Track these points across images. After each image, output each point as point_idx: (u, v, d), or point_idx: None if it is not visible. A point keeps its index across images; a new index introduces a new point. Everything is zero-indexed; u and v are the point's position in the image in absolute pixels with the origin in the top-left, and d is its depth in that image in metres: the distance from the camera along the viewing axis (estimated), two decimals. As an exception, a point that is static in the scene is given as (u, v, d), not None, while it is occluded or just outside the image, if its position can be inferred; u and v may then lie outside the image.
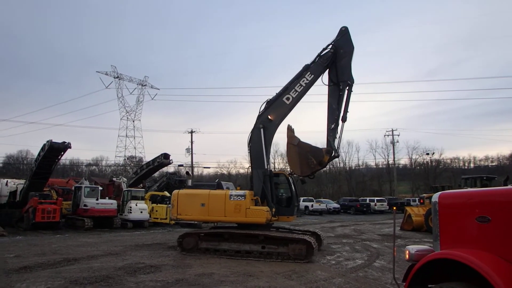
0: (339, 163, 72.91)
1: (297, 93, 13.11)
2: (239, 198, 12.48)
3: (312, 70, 13.11)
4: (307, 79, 13.07)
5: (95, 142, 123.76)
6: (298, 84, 13.14)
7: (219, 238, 12.62)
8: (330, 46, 13.11)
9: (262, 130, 13.16)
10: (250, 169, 13.51)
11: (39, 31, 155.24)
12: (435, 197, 4.62)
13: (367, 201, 44.85)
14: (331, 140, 12.48)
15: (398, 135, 58.73)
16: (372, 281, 8.93)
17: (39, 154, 23.17)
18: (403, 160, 73.02)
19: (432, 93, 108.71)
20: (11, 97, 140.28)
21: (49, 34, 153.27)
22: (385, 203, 44.74)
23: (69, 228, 22.92)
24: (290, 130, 13.41)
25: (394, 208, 7.77)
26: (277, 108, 13.32)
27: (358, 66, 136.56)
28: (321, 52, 13.18)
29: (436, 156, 67.58)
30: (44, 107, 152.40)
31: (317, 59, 13.18)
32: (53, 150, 22.18)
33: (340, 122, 12.72)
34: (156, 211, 26.12)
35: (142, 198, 25.55)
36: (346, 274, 9.73)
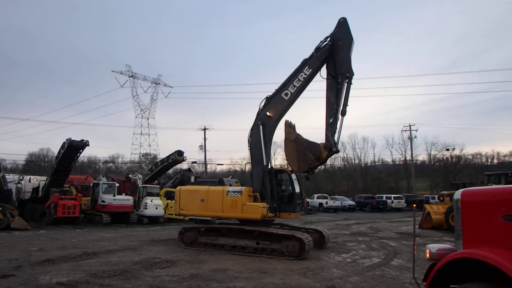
0: (354, 159, 72.33)
1: (295, 88, 12.91)
2: (235, 194, 12.62)
3: (310, 64, 12.84)
4: (305, 74, 12.83)
5: (111, 140, 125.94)
6: (297, 79, 12.93)
7: (216, 233, 12.84)
8: (328, 39, 12.74)
9: (261, 127, 13.13)
10: (250, 166, 13.49)
11: (58, 32, 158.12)
12: (457, 194, 4.49)
13: (384, 198, 44.15)
14: (329, 135, 12.14)
15: (416, 130, 57.56)
16: (390, 280, 8.81)
17: (59, 152, 23.72)
18: (421, 156, 71.57)
19: (452, 86, 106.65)
20: (32, 97, 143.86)
21: (67, 36, 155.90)
22: (403, 201, 43.97)
23: (88, 223, 23.46)
24: (287, 125, 13.23)
25: (414, 205, 7.63)
26: (275, 104, 13.22)
27: (372, 59, 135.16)
28: (319, 45, 12.83)
29: (456, 152, 65.94)
30: (63, 107, 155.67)
31: (314, 52, 12.86)
32: (72, 148, 22.68)
33: (340, 116, 12.31)
34: (171, 207, 26.32)
35: (157, 195, 25.89)
36: (362, 273, 9.62)
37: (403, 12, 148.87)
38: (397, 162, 70.40)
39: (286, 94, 13.00)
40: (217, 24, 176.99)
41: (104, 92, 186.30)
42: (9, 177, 25.69)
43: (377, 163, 73.60)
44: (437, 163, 69.16)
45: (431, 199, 41.51)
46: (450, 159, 66.92)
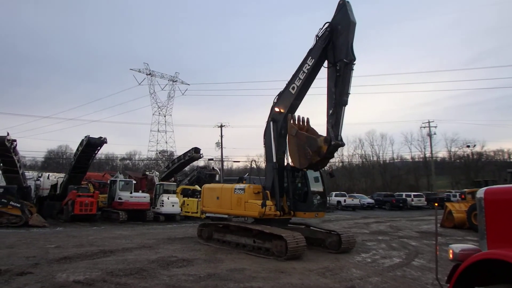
0: (373, 156, 71.34)
1: (300, 81, 12.50)
2: (240, 191, 12.72)
3: (313, 54, 12.32)
4: (308, 65, 12.37)
5: (128, 137, 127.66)
6: (302, 71, 12.51)
7: (226, 230, 13.22)
8: (327, 25, 12.09)
9: (271, 123, 12.93)
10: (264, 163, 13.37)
11: (78, 31, 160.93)
12: (480, 192, 4.35)
13: (403, 196, 43.36)
14: (329, 128, 11.55)
15: (435, 127, 56.64)
16: (412, 281, 8.52)
17: (77, 149, 24.00)
18: (441, 153, 70.37)
19: (472, 82, 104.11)
20: (51, 95, 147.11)
21: (87, 34, 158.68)
22: (423, 199, 43.09)
23: (105, 220, 23.66)
24: (290, 120, 12.70)
25: (436, 204, 7.36)
26: (284, 99, 12.94)
27: (392, 56, 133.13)
28: (318, 32, 12.23)
29: (477, 149, 64.47)
30: (82, 104, 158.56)
31: (315, 41, 12.32)
32: (91, 145, 22.91)
33: (342, 107, 11.48)
34: (187, 204, 26.40)
35: (174, 192, 25.90)
36: (383, 273, 9.34)
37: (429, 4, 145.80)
38: (417, 159, 69.21)
39: (293, 88, 12.67)
40: (235, 21, 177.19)
41: (122, 89, 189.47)
42: (28, 174, 26.19)
43: (396, 160, 72.47)
44: (458, 160, 67.65)
45: (452, 197, 40.75)
46: (471, 156, 65.40)
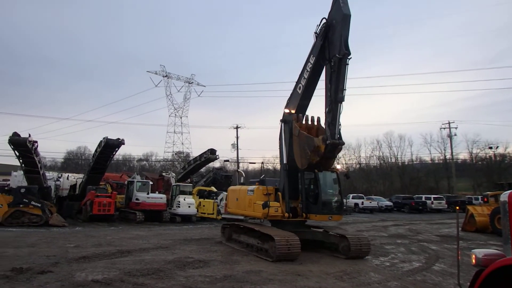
0: (391, 158, 70.20)
1: (305, 80, 12.33)
2: (251, 193, 12.93)
3: (313, 52, 12.09)
4: (310, 63, 12.17)
5: (145, 138, 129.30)
6: (306, 71, 12.36)
7: (241, 231, 13.45)
8: (324, 21, 11.78)
9: (283, 124, 12.84)
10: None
11: (96, 34, 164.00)
12: (504, 196, 4.23)
13: (423, 199, 42.48)
14: (326, 126, 11.30)
15: (456, 128, 55.57)
16: (432, 286, 8.33)
17: (96, 150, 24.40)
18: (462, 155, 68.63)
19: (494, 82, 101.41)
20: (71, 97, 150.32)
21: (106, 37, 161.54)
22: (443, 201, 42.12)
23: (122, 220, 23.96)
24: (295, 120, 12.43)
25: (457, 207, 7.18)
26: (292, 99, 12.84)
27: (411, 54, 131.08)
28: (317, 29, 11.92)
29: (500, 150, 62.75)
30: (100, 106, 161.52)
31: (315, 38, 12.05)
32: (109, 146, 23.28)
33: (339, 103, 10.98)
34: (203, 206, 26.49)
35: (190, 193, 26.05)
36: (402, 278, 9.14)
37: (444, 4, 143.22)
38: (436, 161, 67.82)
39: (299, 88, 12.56)
40: (251, 21, 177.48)
41: (139, 91, 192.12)
42: (49, 174, 26.69)
43: (415, 162, 71.11)
44: (480, 162, 65.99)
45: (474, 200, 39.81)
46: (493, 158, 63.71)
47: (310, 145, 11.41)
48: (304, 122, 12.67)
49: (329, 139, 10.86)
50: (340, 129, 11.12)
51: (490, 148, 60.98)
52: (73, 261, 9.99)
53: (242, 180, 16.47)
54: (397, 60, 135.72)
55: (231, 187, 15.57)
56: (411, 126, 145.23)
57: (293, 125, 12.37)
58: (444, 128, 56.85)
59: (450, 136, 56.25)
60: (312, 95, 12.78)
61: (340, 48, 10.91)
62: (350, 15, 11.09)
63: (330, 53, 11.36)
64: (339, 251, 11.98)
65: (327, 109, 11.25)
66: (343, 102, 10.99)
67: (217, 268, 9.59)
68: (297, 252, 10.86)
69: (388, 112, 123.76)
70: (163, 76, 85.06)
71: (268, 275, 8.87)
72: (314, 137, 11.46)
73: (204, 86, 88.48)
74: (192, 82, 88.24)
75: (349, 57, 10.99)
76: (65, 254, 10.96)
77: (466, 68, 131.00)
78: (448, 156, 60.64)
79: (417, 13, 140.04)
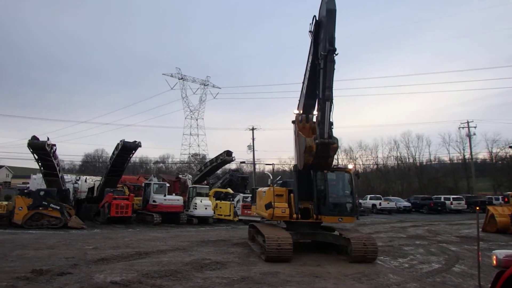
0: (408, 158, 69.22)
1: (307, 79, 12.30)
2: (264, 194, 13.13)
3: (310, 51, 12.06)
4: (309, 62, 12.15)
5: (162, 141, 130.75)
6: (306, 70, 12.38)
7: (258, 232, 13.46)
8: (314, 19, 11.61)
9: (294, 125, 12.77)
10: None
11: (112, 38, 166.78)
12: None
13: (442, 200, 41.71)
14: (316, 125, 11.12)
15: (475, 127, 54.53)
16: (452, 288, 8.15)
17: (113, 153, 24.73)
18: (482, 154, 67.20)
19: (510, 80, 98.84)
20: (88, 101, 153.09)
21: (122, 40, 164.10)
22: (463, 202, 41.24)
23: (140, 222, 24.16)
24: (297, 120, 12.31)
25: (477, 208, 7.04)
26: (300, 100, 12.88)
27: (428, 53, 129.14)
28: (310, 27, 11.80)
29: (521, 149, 61.23)
30: (116, 109, 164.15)
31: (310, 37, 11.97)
32: (126, 149, 23.53)
33: (327, 102, 10.75)
34: (220, 207, 26.58)
35: (207, 195, 26.15)
36: (421, 279, 8.99)
37: (458, 5, 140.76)
38: (455, 161, 66.59)
39: (304, 88, 12.58)
40: (265, 22, 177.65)
41: (155, 94, 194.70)
42: (67, 177, 27.07)
43: (433, 162, 69.98)
44: (500, 162, 64.54)
45: (495, 200, 39.07)
46: (514, 157, 62.21)
47: (302, 145, 11.40)
48: (308, 122, 12.65)
49: (318, 138, 10.82)
50: (331, 128, 10.93)
51: (511, 147, 59.61)
52: (92, 263, 10.14)
53: (269, 182, 16.43)
54: (414, 60, 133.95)
55: (259, 189, 15.47)
56: (429, 126, 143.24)
57: (294, 125, 12.46)
58: (462, 128, 55.90)
59: (469, 136, 55.25)
60: (315, 94, 12.61)
61: (325, 45, 10.75)
62: (335, 10, 10.86)
63: (318, 51, 11.26)
64: (347, 254, 11.55)
65: (317, 109, 11.25)
66: (330, 100, 10.78)
67: (234, 270, 9.60)
68: (287, 253, 10.72)
69: (405, 112, 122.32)
70: (179, 79, 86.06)
71: (286, 277, 8.83)
72: (306, 137, 11.34)
73: (220, 88, 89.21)
74: (208, 84, 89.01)
75: (335, 54, 10.75)
76: (84, 256, 11.14)
77: (484, 66, 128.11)
78: (467, 155, 59.55)
79: (433, 12, 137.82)
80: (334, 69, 10.81)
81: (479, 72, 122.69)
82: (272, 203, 11.92)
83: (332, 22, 10.85)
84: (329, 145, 10.96)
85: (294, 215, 12.05)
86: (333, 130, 11.36)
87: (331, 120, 11.55)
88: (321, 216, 12.00)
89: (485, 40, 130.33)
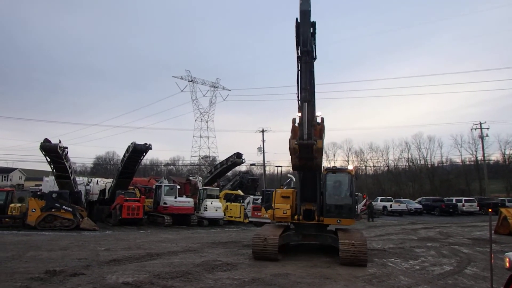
0: (420, 160, 68.52)
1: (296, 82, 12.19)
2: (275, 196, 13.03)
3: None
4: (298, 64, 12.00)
5: (172, 143, 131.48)
6: (298, 71, 12.11)
7: None
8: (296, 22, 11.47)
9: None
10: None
11: (124, 40, 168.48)
12: None
13: (454, 201, 41.18)
14: (298, 126, 11.07)
15: (488, 128, 53.47)
16: (465, 290, 8.09)
17: (124, 155, 24.96)
18: (495, 156, 66.17)
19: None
20: (99, 104, 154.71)
21: (133, 43, 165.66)
22: (475, 204, 40.67)
23: (151, 224, 24.36)
24: (293, 123, 12.12)
25: (490, 210, 6.99)
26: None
27: (441, 53, 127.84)
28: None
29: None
30: (127, 112, 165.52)
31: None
32: (136, 151, 23.77)
33: (304, 103, 10.79)
34: (230, 209, 26.66)
35: (217, 197, 26.26)
36: (432, 281, 8.94)
37: (470, 5, 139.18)
38: (467, 163, 65.73)
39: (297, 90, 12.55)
40: (279, 25, 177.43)
41: (165, 96, 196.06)
42: (79, 179, 27.38)
43: (445, 164, 69.16)
44: (513, 163, 63.49)
45: (508, 202, 38.61)
46: (527, 159, 61.19)
47: (288, 146, 11.39)
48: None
49: (297, 139, 10.80)
50: (312, 129, 10.84)
51: (525, 148, 58.66)
52: (104, 264, 10.26)
53: (292, 185, 16.49)
54: (425, 61, 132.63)
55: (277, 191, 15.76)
56: (441, 127, 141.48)
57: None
58: (475, 129, 55.01)
59: (481, 137, 54.31)
60: (313, 95, 12.64)
61: (298, 46, 10.76)
62: (308, 11, 10.86)
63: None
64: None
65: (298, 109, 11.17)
66: (307, 101, 10.77)
67: (245, 271, 9.65)
68: (272, 252, 10.86)
69: (416, 113, 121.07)
70: (189, 81, 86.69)
71: (296, 278, 8.86)
72: (290, 139, 11.30)
73: (230, 90, 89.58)
74: (218, 87, 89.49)
75: (314, 58, 10.86)
76: (96, 257, 11.27)
77: (498, 67, 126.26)
78: (480, 157, 58.62)
79: (445, 13, 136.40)
80: (311, 70, 10.88)
81: (492, 72, 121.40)
82: (272, 204, 11.98)
83: (306, 24, 10.85)
84: (310, 146, 10.83)
85: (296, 217, 12.07)
86: (314, 130, 11.12)
87: (318, 121, 11.57)
88: (322, 217, 12.02)
89: (497, 40, 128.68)
